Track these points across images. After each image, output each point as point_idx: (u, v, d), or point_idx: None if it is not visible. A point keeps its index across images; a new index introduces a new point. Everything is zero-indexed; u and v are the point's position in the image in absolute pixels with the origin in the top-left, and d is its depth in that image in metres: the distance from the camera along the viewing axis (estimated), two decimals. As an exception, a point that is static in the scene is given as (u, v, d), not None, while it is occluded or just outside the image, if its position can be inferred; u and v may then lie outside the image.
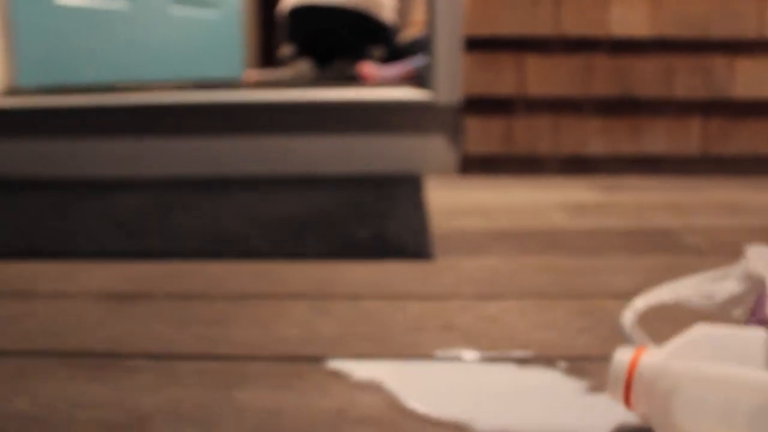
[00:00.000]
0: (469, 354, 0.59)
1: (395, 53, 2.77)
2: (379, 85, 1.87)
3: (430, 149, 1.52)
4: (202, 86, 1.83)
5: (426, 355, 0.59)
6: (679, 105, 1.50)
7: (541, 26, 1.47)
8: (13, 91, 1.71)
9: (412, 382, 0.54)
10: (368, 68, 2.46)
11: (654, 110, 1.50)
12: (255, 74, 2.83)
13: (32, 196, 1.33)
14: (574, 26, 1.48)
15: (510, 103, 1.50)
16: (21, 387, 0.54)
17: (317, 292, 0.77)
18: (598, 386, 0.52)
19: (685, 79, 1.49)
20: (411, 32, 3.07)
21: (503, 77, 1.49)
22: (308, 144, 1.52)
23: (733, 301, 0.57)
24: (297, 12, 2.70)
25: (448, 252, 0.90)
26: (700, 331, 0.45)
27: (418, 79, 2.42)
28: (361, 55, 2.73)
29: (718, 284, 0.58)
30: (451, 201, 1.25)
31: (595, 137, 1.51)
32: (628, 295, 0.56)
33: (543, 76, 1.49)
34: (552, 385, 0.54)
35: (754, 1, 1.47)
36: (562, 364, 0.57)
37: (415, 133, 1.52)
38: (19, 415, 0.50)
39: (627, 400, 0.45)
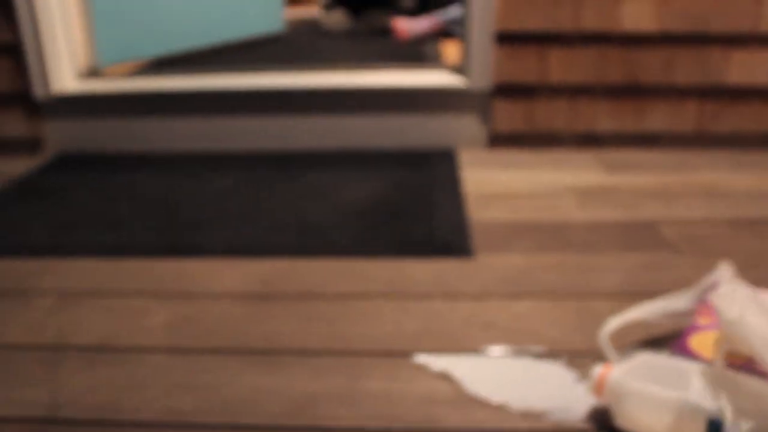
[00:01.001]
0: (504, 349, 0.91)
1: (424, 1, 2.97)
2: (422, 67, 2.10)
3: (465, 127, 1.80)
4: (260, 58, 2.09)
5: (476, 350, 0.91)
6: (678, 90, 1.75)
7: (562, 23, 1.71)
8: (94, 72, 1.97)
9: (469, 372, 0.86)
10: (401, 24, 2.68)
11: (656, 94, 1.76)
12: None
13: (138, 177, 1.63)
14: (591, 22, 1.71)
15: (533, 89, 1.76)
16: (205, 379, 0.87)
17: (397, 291, 1.08)
18: (584, 376, 0.84)
19: (685, 68, 1.73)
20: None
21: (528, 67, 1.74)
22: (363, 122, 1.80)
23: (679, 317, 0.88)
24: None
25: (483, 248, 1.21)
26: (644, 358, 0.76)
27: (446, 32, 2.65)
28: (390, 3, 2.93)
29: (670, 306, 0.89)
30: (483, 183, 1.54)
31: (604, 117, 1.78)
32: (613, 296, 0.87)
33: (563, 66, 1.74)
34: (557, 375, 0.85)
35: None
36: (564, 358, 0.89)
37: (452, 113, 1.79)
38: (211, 400, 0.82)
39: (598, 395, 0.76)
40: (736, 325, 0.70)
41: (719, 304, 0.73)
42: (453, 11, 2.72)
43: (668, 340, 0.88)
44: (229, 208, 1.42)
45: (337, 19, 2.90)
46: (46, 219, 1.40)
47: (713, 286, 0.85)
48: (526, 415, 0.78)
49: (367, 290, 1.08)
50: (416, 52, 2.36)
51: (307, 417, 0.79)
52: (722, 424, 0.68)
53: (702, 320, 0.86)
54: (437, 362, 0.88)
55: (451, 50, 2.43)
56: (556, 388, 0.83)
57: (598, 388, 0.77)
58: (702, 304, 0.87)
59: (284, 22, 2.78)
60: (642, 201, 1.43)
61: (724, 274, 0.87)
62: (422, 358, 0.89)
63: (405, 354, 0.90)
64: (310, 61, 2.12)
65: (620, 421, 0.75)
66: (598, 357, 0.85)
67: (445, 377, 0.85)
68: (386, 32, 2.78)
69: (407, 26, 2.66)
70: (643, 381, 0.74)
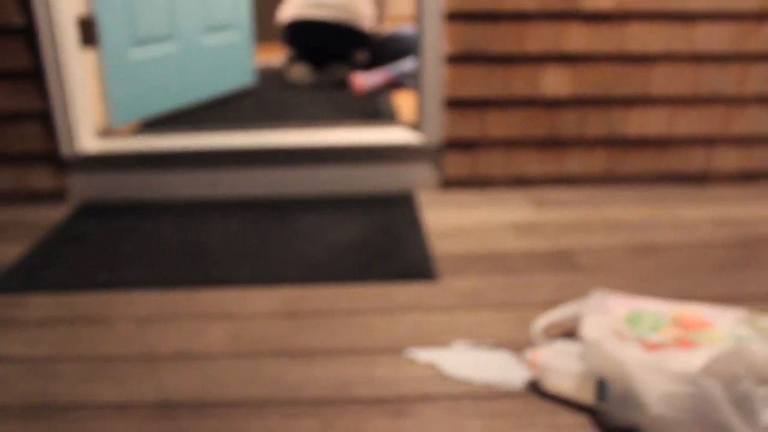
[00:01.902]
0: (467, 344, 1.32)
1: (376, 54, 3.40)
2: (387, 117, 2.52)
3: (421, 174, 2.22)
4: (253, 127, 2.47)
5: (447, 345, 1.32)
6: (590, 140, 2.22)
7: (497, 90, 2.15)
8: (107, 132, 2.33)
9: (444, 360, 1.27)
10: (358, 78, 3.10)
11: (573, 144, 2.22)
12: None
13: (156, 223, 1.99)
14: (519, 90, 2.16)
15: (476, 142, 2.20)
16: (264, 374, 1.25)
17: (386, 308, 1.48)
18: (522, 359, 1.25)
19: (594, 123, 2.20)
20: (387, 26, 3.69)
21: (471, 125, 2.18)
22: (337, 172, 2.20)
23: (578, 319, 1.31)
24: (295, 24, 3.30)
25: (445, 273, 1.62)
26: (559, 345, 1.19)
27: (397, 83, 3.09)
28: (347, 58, 3.36)
29: (575, 311, 1.31)
30: (439, 221, 1.96)
31: (532, 163, 2.23)
32: (541, 306, 1.30)
33: (499, 124, 2.18)
34: (503, 359, 1.27)
35: (640, 70, 2.16)
36: (508, 348, 1.30)
37: (411, 163, 2.21)
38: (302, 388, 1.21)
39: (531, 370, 1.18)
40: (594, 345, 1.12)
41: (585, 329, 1.16)
42: (404, 65, 3.16)
43: (573, 333, 1.30)
44: (241, 247, 1.80)
45: (300, 72, 3.31)
46: (93, 259, 1.75)
47: (595, 302, 1.27)
48: (485, 385, 1.19)
49: (365, 307, 1.48)
50: (372, 106, 2.78)
51: (343, 393, 1.18)
52: (605, 383, 1.10)
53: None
54: (422, 355, 1.29)
55: (403, 100, 2.86)
56: (503, 367, 1.24)
57: (531, 365, 1.19)
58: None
59: (255, 74, 3.16)
60: (562, 232, 1.87)
61: (597, 299, 1.29)
62: (412, 353, 1.30)
63: (399, 350, 1.31)
64: (283, 115, 2.52)
65: (545, 386, 1.17)
66: (531, 345, 1.27)
67: (428, 365, 1.26)
68: (344, 84, 3.20)
69: (363, 80, 3.08)
70: (559, 359, 1.16)
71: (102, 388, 1.22)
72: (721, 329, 1.15)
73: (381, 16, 3.58)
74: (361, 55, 3.38)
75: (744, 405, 0.98)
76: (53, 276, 1.67)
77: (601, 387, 1.11)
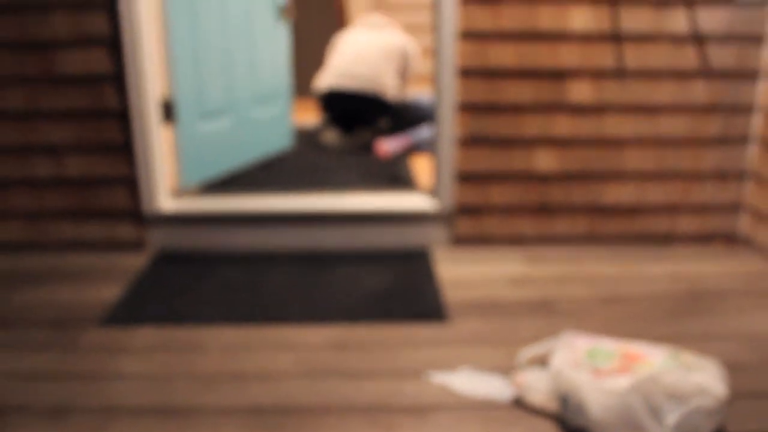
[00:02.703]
0: (471, 369, 1.80)
1: (397, 120, 3.92)
2: (405, 182, 3.02)
3: (436, 233, 2.71)
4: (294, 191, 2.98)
5: (456, 370, 1.80)
6: (574, 208, 2.71)
7: (498, 166, 2.65)
8: (179, 193, 2.84)
9: (454, 381, 1.74)
10: (381, 145, 3.61)
11: (560, 210, 2.71)
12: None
13: (223, 269, 2.49)
14: (517, 166, 2.66)
15: (481, 208, 2.69)
16: (330, 387, 1.74)
17: (411, 341, 1.96)
18: (510, 381, 1.73)
19: (578, 193, 2.69)
20: (411, 91, 4.20)
21: (477, 194, 2.67)
22: (366, 230, 2.70)
23: (550, 353, 1.79)
24: (328, 95, 3.83)
25: (455, 316, 2.11)
26: (536, 371, 1.67)
27: (416, 147, 3.60)
28: (372, 123, 3.88)
29: (547, 346, 1.79)
30: (450, 273, 2.44)
31: (527, 226, 2.72)
32: (527, 341, 1.78)
33: (500, 194, 2.68)
34: (497, 381, 1.74)
35: (615, 151, 2.66)
36: (501, 373, 1.78)
37: (428, 224, 2.70)
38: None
39: (516, 388, 1.66)
40: (559, 372, 1.60)
41: (554, 360, 1.64)
42: (422, 132, 3.68)
43: (547, 362, 1.78)
44: (292, 291, 2.29)
45: (332, 137, 3.83)
46: (177, 299, 2.24)
47: (565, 340, 1.75)
48: (483, 399, 1.67)
49: (392, 341, 1.96)
50: (394, 169, 3.29)
51: (382, 402, 1.66)
52: (566, 398, 1.58)
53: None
54: (437, 377, 1.77)
55: (421, 166, 3.36)
56: (496, 386, 1.72)
57: (516, 385, 1.66)
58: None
59: (292, 138, 3.68)
60: (549, 284, 2.35)
61: (566, 338, 1.76)
62: (430, 375, 1.78)
63: (420, 373, 1.79)
64: (318, 178, 3.04)
65: (526, 400, 1.65)
66: (516, 371, 1.74)
67: (442, 384, 1.74)
68: (369, 148, 3.72)
69: (387, 146, 3.60)
70: (536, 381, 1.64)
71: (207, 397, 1.70)
72: (654, 361, 1.63)
73: (402, 86, 4.09)
74: (384, 122, 3.90)
75: (655, 411, 1.45)
76: (150, 313, 2.16)
77: (564, 401, 1.59)
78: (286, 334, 2.02)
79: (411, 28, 4.65)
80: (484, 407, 1.65)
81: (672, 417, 1.45)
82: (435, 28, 2.54)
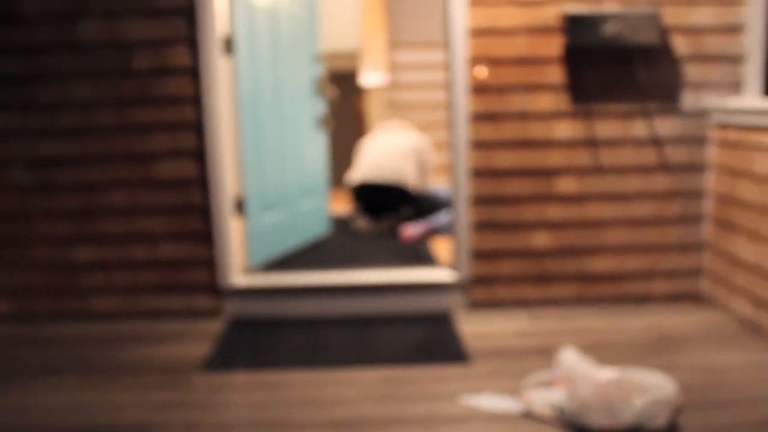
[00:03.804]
0: (491, 394, 2.42)
1: (419, 207, 4.62)
2: (427, 260, 3.70)
3: (456, 299, 3.36)
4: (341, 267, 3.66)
5: (480, 394, 2.42)
6: (566, 276, 3.36)
7: (505, 245, 3.33)
8: (247, 270, 3.51)
9: (479, 402, 2.36)
10: (405, 230, 4.30)
11: (555, 279, 3.36)
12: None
13: (288, 332, 3.13)
14: (519, 244, 3.33)
15: (492, 279, 3.35)
16: (387, 410, 2.36)
17: (445, 377, 2.58)
18: (520, 399, 2.34)
19: (569, 265, 3.35)
20: (431, 184, 4.90)
21: (489, 268, 3.34)
22: (398, 298, 3.35)
23: (552, 377, 2.42)
24: (359, 187, 4.55)
25: (476, 359, 2.73)
26: (539, 392, 2.30)
27: (438, 232, 4.27)
28: (397, 211, 4.58)
29: (544, 375, 2.43)
30: (468, 330, 3.08)
31: (529, 291, 3.37)
32: (532, 374, 2.41)
33: (506, 267, 3.34)
34: (511, 402, 2.36)
35: (597, 230, 3.34)
36: (513, 394, 2.40)
37: (449, 292, 3.36)
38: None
39: (524, 403, 2.29)
40: (563, 359, 2.23)
41: (561, 356, 2.27)
42: (440, 218, 4.37)
43: (549, 384, 2.40)
44: (346, 345, 2.92)
45: (362, 224, 4.52)
46: (258, 353, 2.87)
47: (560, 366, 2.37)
48: (501, 412, 2.29)
49: (430, 376, 2.58)
50: (417, 251, 3.97)
51: (428, 416, 2.28)
52: (563, 407, 2.20)
53: (558, 380, 2.39)
54: (466, 399, 2.39)
55: (440, 246, 4.04)
56: (510, 404, 2.34)
57: (524, 401, 2.29)
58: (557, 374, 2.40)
59: (329, 225, 4.38)
60: (547, 336, 2.98)
61: (568, 353, 2.38)
62: (461, 399, 2.40)
63: (453, 398, 2.41)
64: (354, 258, 3.70)
65: (532, 411, 2.27)
66: (524, 392, 2.36)
67: (470, 404, 2.36)
68: (394, 232, 4.40)
69: (410, 231, 4.28)
70: (538, 398, 2.26)
71: (298, 416, 2.32)
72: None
73: (422, 178, 4.80)
74: (407, 210, 4.61)
75: (624, 399, 2.08)
76: (239, 362, 2.79)
77: (561, 411, 2.21)
78: (347, 374, 2.65)
79: (422, 125, 5.44)
80: (501, 418, 2.27)
81: (638, 403, 2.07)
82: (451, 140, 3.27)
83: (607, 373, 2.21)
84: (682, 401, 2.23)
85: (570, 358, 2.29)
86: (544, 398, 2.27)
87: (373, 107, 6.09)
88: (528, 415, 2.27)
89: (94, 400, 2.49)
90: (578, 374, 2.21)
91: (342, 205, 5.21)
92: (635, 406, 2.12)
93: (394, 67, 6.22)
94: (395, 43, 6.31)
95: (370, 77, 6.12)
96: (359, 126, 6.20)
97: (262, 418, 2.32)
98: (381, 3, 6.35)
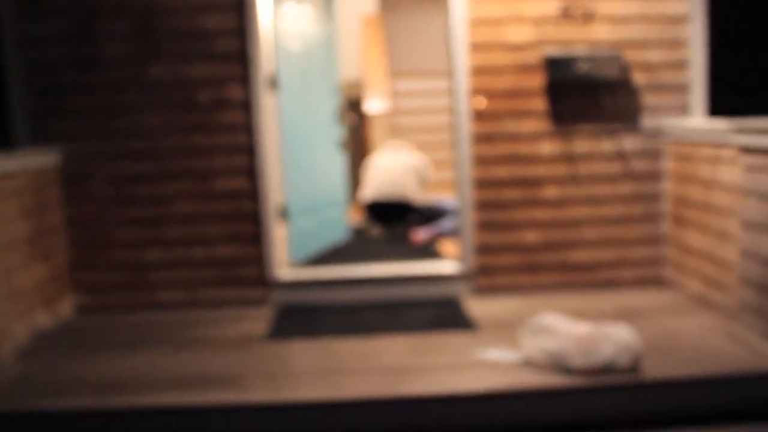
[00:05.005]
0: (496, 348, 3.15)
1: (423, 215, 5.37)
2: (435, 257, 4.45)
3: (463, 286, 4.10)
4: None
5: (487, 349, 3.15)
6: (551, 266, 4.10)
7: (502, 241, 4.07)
8: (290, 265, 4.23)
9: (488, 354, 3.09)
10: (415, 234, 5.05)
11: (542, 269, 4.10)
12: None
13: (331, 316, 3.84)
14: (513, 240, 4.07)
15: (494, 269, 4.09)
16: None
17: (459, 341, 3.31)
18: (517, 351, 3.07)
19: (553, 257, 4.09)
20: (428, 197, 5.65)
21: (491, 259, 4.08)
22: (415, 286, 4.08)
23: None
24: (372, 204, 5.30)
25: (481, 327, 3.46)
26: (529, 344, 3.05)
27: (442, 236, 5.02)
28: (405, 220, 5.32)
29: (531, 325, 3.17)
30: (475, 308, 3.81)
31: (522, 279, 4.10)
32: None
33: (504, 260, 4.08)
34: (512, 354, 3.09)
35: (576, 228, 4.09)
36: (512, 348, 3.14)
37: (457, 281, 4.09)
38: (425, 361, 3.04)
39: (522, 353, 3.03)
40: (547, 318, 2.97)
41: (546, 317, 3.01)
42: (445, 224, 5.11)
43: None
44: (377, 321, 3.64)
45: (375, 231, 5.26)
46: (307, 328, 3.58)
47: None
48: (505, 361, 3.02)
49: (449, 339, 3.31)
50: (426, 250, 4.71)
51: (457, 363, 3.01)
52: (550, 353, 2.93)
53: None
54: (477, 353, 3.12)
55: (446, 247, 4.78)
56: (511, 355, 3.07)
57: (519, 348, 3.02)
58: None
59: (349, 232, 5.11)
60: (536, 312, 3.72)
61: (551, 314, 3.11)
62: (474, 353, 3.13)
63: (467, 352, 3.14)
64: (373, 257, 4.44)
65: (528, 359, 3.00)
66: (519, 345, 3.10)
67: (481, 357, 3.09)
68: (404, 237, 5.15)
69: (419, 235, 5.03)
70: (531, 343, 3.00)
71: (351, 364, 3.03)
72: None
73: (422, 192, 5.55)
74: (414, 218, 5.35)
75: (597, 346, 2.82)
76: (294, 333, 3.50)
77: (550, 355, 2.94)
78: (381, 340, 3.37)
79: (421, 145, 6.23)
80: (504, 365, 3.00)
81: (608, 348, 2.81)
82: (456, 157, 4.03)
83: (582, 327, 2.95)
84: (643, 350, 2.97)
85: (553, 317, 3.03)
86: (535, 345, 2.99)
87: (375, 131, 6.86)
88: (524, 363, 3.01)
89: (185, 361, 3.20)
90: (560, 327, 2.95)
91: (355, 217, 5.95)
92: (605, 351, 2.86)
93: (395, 95, 7.01)
94: (395, 72, 7.12)
95: (373, 104, 6.89)
96: (363, 148, 6.96)
97: (322, 368, 3.04)
98: (381, 35, 7.16)
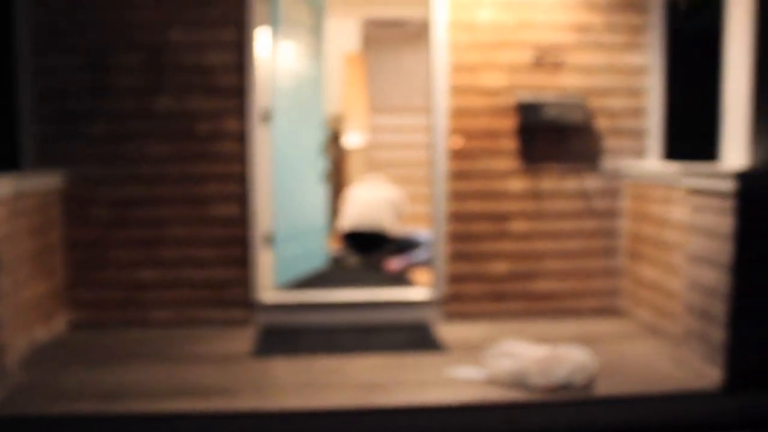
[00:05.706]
0: (462, 368, 3.45)
1: (398, 245, 5.68)
2: (408, 285, 4.75)
3: (434, 312, 4.40)
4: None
5: (455, 369, 3.44)
6: (517, 294, 4.43)
7: (471, 271, 4.39)
8: (272, 289, 4.50)
9: (455, 373, 3.39)
10: (389, 263, 5.35)
11: (508, 297, 4.43)
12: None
13: (312, 338, 4.12)
14: (482, 271, 4.40)
15: (462, 296, 4.40)
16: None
17: (429, 361, 3.60)
18: (482, 369, 3.38)
19: (518, 286, 4.42)
20: (403, 228, 5.97)
21: (460, 289, 4.39)
22: (388, 312, 4.38)
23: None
24: (349, 234, 5.60)
25: (450, 349, 3.76)
26: (493, 363, 3.35)
27: (416, 265, 5.33)
28: (381, 249, 5.63)
29: (498, 350, 3.48)
30: (445, 333, 4.11)
31: (489, 306, 4.42)
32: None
33: (472, 289, 4.40)
34: (476, 370, 3.39)
35: (535, 260, 4.43)
36: (477, 367, 3.44)
37: (429, 307, 4.40)
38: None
39: (486, 371, 3.33)
40: (510, 344, 3.28)
41: (509, 343, 3.31)
42: (418, 255, 5.43)
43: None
44: (354, 342, 3.92)
45: (353, 259, 5.56)
46: (289, 347, 3.85)
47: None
48: (472, 378, 3.32)
49: (420, 359, 3.60)
50: (399, 278, 5.01)
51: (428, 380, 3.30)
52: (513, 373, 3.24)
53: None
54: (447, 372, 3.42)
55: (419, 275, 5.09)
56: (477, 373, 3.37)
57: (486, 369, 3.33)
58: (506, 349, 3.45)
59: (328, 260, 5.40)
60: (502, 336, 4.03)
61: (514, 340, 3.42)
62: (445, 372, 3.42)
63: (438, 372, 3.43)
64: (351, 283, 4.73)
65: (492, 377, 3.30)
66: (483, 365, 3.40)
67: (449, 376, 3.38)
68: (379, 266, 5.45)
69: (393, 264, 5.34)
70: (493, 366, 3.30)
71: (329, 379, 3.31)
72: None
73: (398, 223, 5.86)
74: (388, 248, 5.66)
75: (555, 367, 3.13)
76: (277, 351, 3.77)
77: (512, 374, 3.25)
78: (357, 358, 3.65)
79: (396, 179, 6.56)
80: (472, 382, 3.29)
81: (565, 368, 3.12)
82: (433, 192, 4.36)
83: (542, 349, 3.26)
84: (597, 371, 3.29)
85: (516, 342, 3.35)
86: (499, 365, 3.30)
87: (353, 164, 7.20)
88: (489, 381, 3.31)
89: (178, 373, 3.45)
90: (522, 351, 3.26)
91: (334, 245, 6.24)
92: (563, 371, 3.17)
93: (373, 129, 7.37)
94: (375, 107, 7.49)
95: (352, 138, 7.23)
96: (341, 179, 7.29)
97: (303, 381, 3.32)
98: (363, 72, 7.54)
